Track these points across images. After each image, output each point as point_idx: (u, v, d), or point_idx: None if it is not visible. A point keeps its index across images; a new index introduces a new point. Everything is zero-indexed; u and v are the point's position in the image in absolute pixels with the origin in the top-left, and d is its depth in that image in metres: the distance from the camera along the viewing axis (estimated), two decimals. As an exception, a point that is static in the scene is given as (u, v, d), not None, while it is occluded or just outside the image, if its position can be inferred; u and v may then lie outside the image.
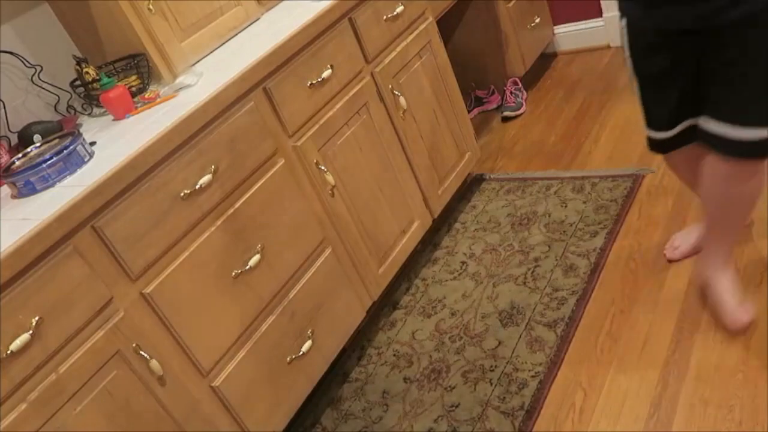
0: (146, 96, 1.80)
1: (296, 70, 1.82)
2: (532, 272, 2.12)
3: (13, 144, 1.77)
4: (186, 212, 1.53)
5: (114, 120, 1.76)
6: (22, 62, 1.85)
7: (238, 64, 1.74)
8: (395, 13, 2.15)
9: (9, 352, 1.21)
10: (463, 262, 2.29)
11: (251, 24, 2.14)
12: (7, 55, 1.82)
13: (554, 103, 3.07)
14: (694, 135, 1.52)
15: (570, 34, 3.44)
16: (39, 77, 1.88)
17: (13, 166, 1.57)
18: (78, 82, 1.84)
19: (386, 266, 2.12)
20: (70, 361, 1.31)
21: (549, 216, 2.34)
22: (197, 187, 1.55)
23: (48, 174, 1.47)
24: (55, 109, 1.91)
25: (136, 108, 1.76)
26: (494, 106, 3.22)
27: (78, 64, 1.80)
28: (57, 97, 1.91)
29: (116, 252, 1.40)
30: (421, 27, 2.29)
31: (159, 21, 1.86)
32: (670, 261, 1.95)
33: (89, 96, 1.84)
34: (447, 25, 3.05)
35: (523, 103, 3.11)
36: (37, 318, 1.26)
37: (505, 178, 2.65)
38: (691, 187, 1.82)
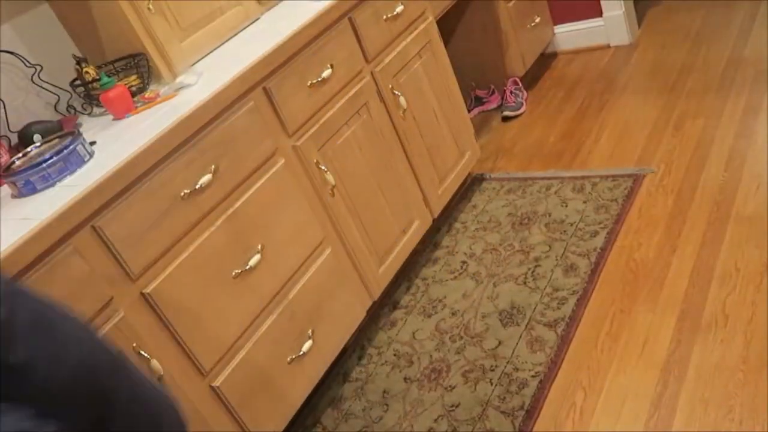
0: (146, 96, 1.80)
1: (296, 70, 1.82)
2: (533, 272, 2.12)
3: (13, 144, 1.77)
4: (186, 212, 1.53)
5: (114, 120, 1.76)
6: (22, 62, 1.85)
7: (238, 63, 1.73)
8: (395, 12, 2.14)
9: (9, 351, 1.21)
10: (464, 262, 2.29)
11: (251, 24, 2.14)
12: (7, 54, 1.82)
13: (554, 103, 3.07)
14: None
15: (570, 34, 3.44)
16: (39, 77, 1.88)
17: (14, 166, 1.57)
18: (78, 82, 1.83)
19: (386, 266, 2.12)
20: (70, 360, 1.31)
21: (549, 216, 2.34)
22: (197, 186, 1.54)
23: (48, 174, 1.47)
24: (55, 109, 1.91)
25: (136, 108, 1.75)
26: (494, 106, 3.22)
27: (78, 63, 1.80)
28: (57, 97, 1.90)
29: (116, 252, 1.40)
30: (421, 27, 2.29)
31: (159, 21, 1.86)
32: None
33: (89, 96, 1.84)
34: (447, 25, 3.05)
35: (523, 102, 3.11)
36: (37, 318, 1.26)
37: (506, 178, 2.65)
38: None
